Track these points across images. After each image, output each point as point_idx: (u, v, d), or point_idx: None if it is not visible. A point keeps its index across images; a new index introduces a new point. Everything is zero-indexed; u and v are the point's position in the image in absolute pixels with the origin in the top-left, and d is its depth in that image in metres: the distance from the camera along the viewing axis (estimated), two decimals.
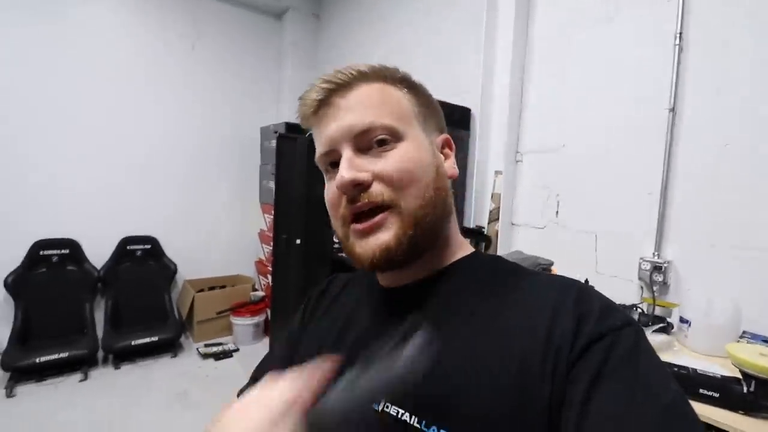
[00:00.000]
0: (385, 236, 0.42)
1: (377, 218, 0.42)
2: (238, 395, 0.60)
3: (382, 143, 0.43)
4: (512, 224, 2.08)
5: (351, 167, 0.42)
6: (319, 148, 0.46)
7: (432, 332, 0.34)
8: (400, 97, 0.45)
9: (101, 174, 2.92)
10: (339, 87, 0.44)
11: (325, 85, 0.44)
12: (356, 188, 0.42)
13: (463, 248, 0.50)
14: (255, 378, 0.61)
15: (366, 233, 0.43)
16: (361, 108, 0.43)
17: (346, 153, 0.43)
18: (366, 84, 0.44)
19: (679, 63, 1.49)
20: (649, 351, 0.35)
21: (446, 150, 0.50)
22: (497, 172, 2.03)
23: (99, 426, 2.03)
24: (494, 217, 2.03)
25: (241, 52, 3.46)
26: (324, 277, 0.58)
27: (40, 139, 2.70)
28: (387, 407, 0.40)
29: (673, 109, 1.50)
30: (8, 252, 2.59)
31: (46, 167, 2.73)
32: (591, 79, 1.77)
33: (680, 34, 1.48)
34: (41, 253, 2.68)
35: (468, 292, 0.44)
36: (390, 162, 0.42)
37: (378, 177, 0.42)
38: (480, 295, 0.43)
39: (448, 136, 0.51)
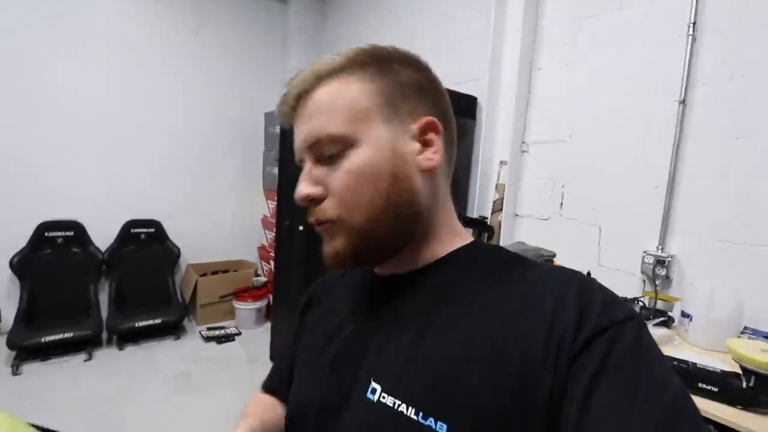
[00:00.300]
0: (335, 244, 0.43)
1: (322, 228, 0.44)
2: (262, 387, 0.63)
3: (332, 154, 0.42)
4: (516, 215, 2.07)
5: (307, 181, 0.43)
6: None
7: None
8: (356, 91, 0.42)
9: (106, 157, 2.93)
10: (300, 95, 0.44)
11: (288, 96, 0.44)
12: (311, 202, 0.43)
13: (462, 237, 0.48)
14: (272, 373, 0.64)
15: (324, 236, 0.45)
16: (313, 117, 0.42)
17: (306, 166, 0.44)
18: (322, 87, 0.42)
19: (691, 54, 1.46)
20: (652, 345, 0.35)
21: (429, 135, 0.44)
22: (502, 162, 2.01)
23: (103, 405, 2.07)
24: (498, 207, 2.02)
25: (245, 35, 3.42)
26: (318, 262, 0.59)
27: (46, 123, 2.70)
28: (383, 397, 0.39)
29: (683, 102, 1.48)
30: (14, 233, 2.61)
31: (51, 150, 2.74)
32: (600, 69, 1.73)
33: (694, 23, 1.45)
34: (46, 234, 2.71)
35: (467, 282, 0.43)
36: (337, 176, 0.42)
37: (329, 192, 0.43)
38: (480, 286, 0.42)
39: (433, 118, 0.44)
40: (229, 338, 2.92)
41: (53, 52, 2.68)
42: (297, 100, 0.44)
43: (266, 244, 3.51)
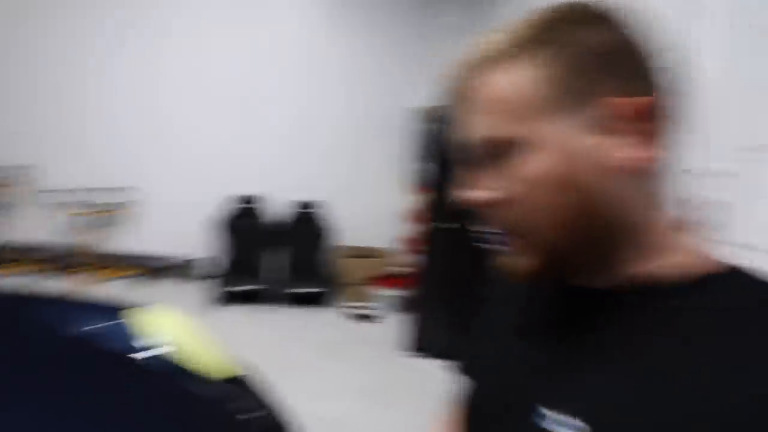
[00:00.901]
0: (520, 262, 0.38)
1: (506, 242, 0.39)
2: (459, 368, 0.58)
3: (502, 157, 0.35)
4: (740, 245, 1.50)
5: (479, 185, 0.38)
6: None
7: None
8: (525, 83, 0.34)
9: (280, 145, 3.62)
10: (470, 79, 0.37)
11: (454, 89, 0.39)
12: (483, 207, 0.39)
13: (689, 254, 0.36)
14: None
15: (507, 247, 0.40)
16: (477, 115, 0.37)
17: (476, 167, 0.39)
18: (490, 74, 0.36)
19: None
20: None
21: (630, 123, 0.33)
22: (721, 173, 1.48)
23: (261, 352, 2.45)
24: (702, 233, 1.51)
25: (396, 31, 3.69)
26: (469, 264, 0.47)
27: (244, 115, 3.56)
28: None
29: None
30: (213, 201, 3.43)
31: (242, 137, 3.56)
32: None
33: None
34: (238, 204, 3.50)
35: (714, 319, 0.32)
36: (511, 185, 0.36)
37: (503, 199, 0.37)
38: (734, 327, 0.31)
39: (629, 99, 0.32)
40: (368, 319, 3.11)
41: (239, 47, 3.44)
42: (463, 92, 0.39)
43: (409, 237, 3.59)
